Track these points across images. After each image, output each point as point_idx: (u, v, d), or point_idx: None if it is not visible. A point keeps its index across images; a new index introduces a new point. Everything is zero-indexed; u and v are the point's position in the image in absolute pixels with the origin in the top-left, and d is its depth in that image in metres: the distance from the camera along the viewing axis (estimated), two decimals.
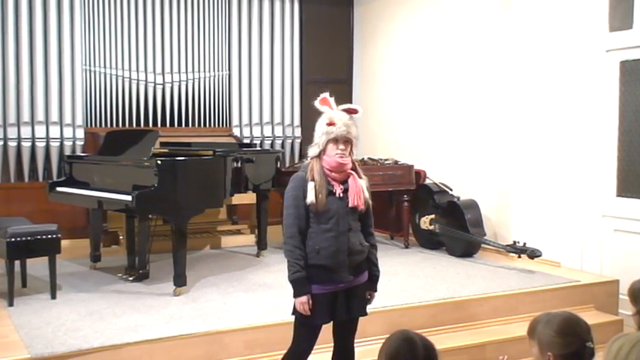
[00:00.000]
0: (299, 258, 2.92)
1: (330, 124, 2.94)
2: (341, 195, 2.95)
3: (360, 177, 3.03)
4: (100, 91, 7.02)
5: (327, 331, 3.11)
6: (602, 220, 5.26)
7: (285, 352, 3.11)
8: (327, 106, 3.02)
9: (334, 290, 2.95)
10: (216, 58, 7.56)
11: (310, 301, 2.92)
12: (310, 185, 2.92)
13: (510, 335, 4.29)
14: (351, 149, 3.00)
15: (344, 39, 8.30)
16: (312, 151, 3.01)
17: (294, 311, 2.99)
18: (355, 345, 3.19)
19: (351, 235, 2.96)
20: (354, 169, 3.04)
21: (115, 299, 4.49)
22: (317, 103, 3.05)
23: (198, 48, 7.44)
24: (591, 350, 2.08)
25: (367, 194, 3.02)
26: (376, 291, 3.19)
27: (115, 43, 7.04)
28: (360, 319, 3.15)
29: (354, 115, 3.04)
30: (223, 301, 4.42)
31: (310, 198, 2.91)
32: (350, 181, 2.99)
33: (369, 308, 3.20)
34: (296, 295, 2.94)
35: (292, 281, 2.94)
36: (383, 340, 2.10)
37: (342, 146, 2.94)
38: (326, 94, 3.07)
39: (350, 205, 2.95)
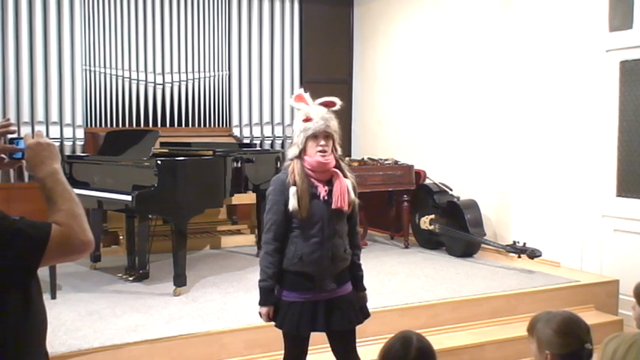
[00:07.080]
0: (269, 266, 2.77)
1: (307, 119, 2.75)
2: (325, 197, 2.76)
3: (345, 176, 2.83)
4: (100, 91, 7.02)
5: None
6: (602, 220, 5.26)
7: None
8: (302, 102, 2.83)
9: (314, 299, 2.78)
10: (216, 58, 7.56)
11: (271, 313, 2.82)
12: (292, 190, 2.73)
13: (510, 335, 4.29)
14: (333, 145, 2.80)
15: (344, 39, 8.29)
16: (292, 151, 2.81)
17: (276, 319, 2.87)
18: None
19: (336, 241, 2.78)
20: (338, 167, 2.84)
21: (115, 299, 4.49)
22: (292, 102, 2.88)
23: (198, 48, 7.44)
24: (589, 352, 2.09)
25: (353, 195, 2.82)
26: (365, 290, 3.00)
27: (115, 43, 7.04)
28: None
29: (333, 108, 2.85)
30: (223, 301, 4.42)
31: (293, 205, 2.71)
32: (335, 181, 2.79)
33: (371, 308, 3.15)
34: (259, 303, 2.84)
35: (259, 289, 2.82)
36: (383, 340, 2.10)
37: (322, 142, 2.74)
38: (300, 91, 2.90)
39: (333, 206, 2.75)
